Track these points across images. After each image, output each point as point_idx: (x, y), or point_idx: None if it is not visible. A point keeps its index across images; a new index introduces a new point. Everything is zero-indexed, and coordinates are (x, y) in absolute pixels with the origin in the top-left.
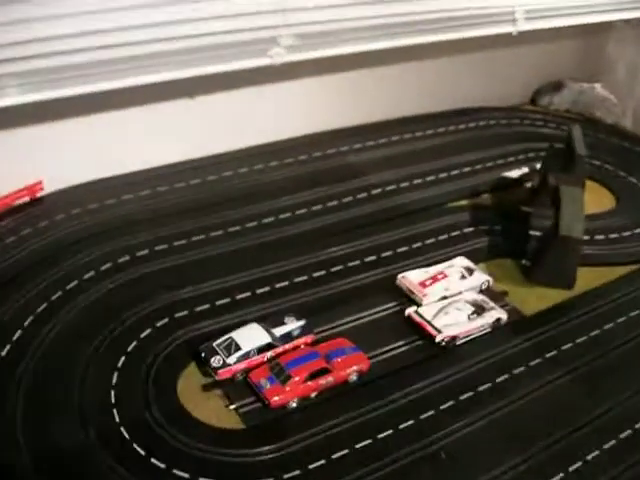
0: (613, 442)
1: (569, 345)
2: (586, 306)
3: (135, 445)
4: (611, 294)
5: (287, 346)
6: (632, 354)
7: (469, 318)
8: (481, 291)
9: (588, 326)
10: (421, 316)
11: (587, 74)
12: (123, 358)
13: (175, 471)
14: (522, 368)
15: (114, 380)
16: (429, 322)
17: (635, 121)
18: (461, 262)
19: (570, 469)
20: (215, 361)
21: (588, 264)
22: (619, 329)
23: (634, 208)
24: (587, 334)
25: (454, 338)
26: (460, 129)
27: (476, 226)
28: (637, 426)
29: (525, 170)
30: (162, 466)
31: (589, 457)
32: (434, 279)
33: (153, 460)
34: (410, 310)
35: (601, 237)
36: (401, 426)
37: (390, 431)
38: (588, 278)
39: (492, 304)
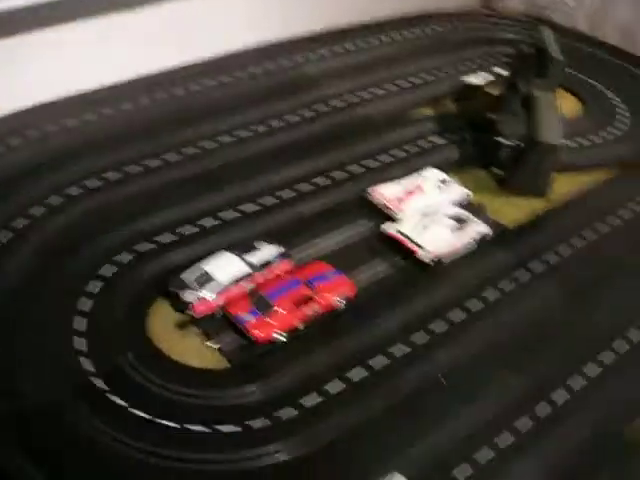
0: (607, 351)
1: (554, 258)
2: (567, 215)
3: (110, 395)
4: (591, 201)
5: (266, 273)
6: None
7: (452, 233)
8: (460, 205)
9: (570, 235)
10: (401, 233)
11: None
12: (85, 299)
13: (161, 420)
14: (510, 283)
15: (78, 324)
16: (409, 238)
17: (592, 24)
18: (433, 174)
19: (568, 382)
20: (188, 295)
21: (559, 170)
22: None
23: (601, 112)
24: (569, 243)
25: (440, 256)
26: (417, 35)
27: (442, 135)
28: (629, 334)
29: (487, 76)
30: (145, 416)
31: (584, 369)
32: (410, 193)
33: (133, 410)
34: (388, 226)
35: (571, 142)
36: (394, 352)
37: (384, 358)
38: (560, 185)
39: (473, 218)
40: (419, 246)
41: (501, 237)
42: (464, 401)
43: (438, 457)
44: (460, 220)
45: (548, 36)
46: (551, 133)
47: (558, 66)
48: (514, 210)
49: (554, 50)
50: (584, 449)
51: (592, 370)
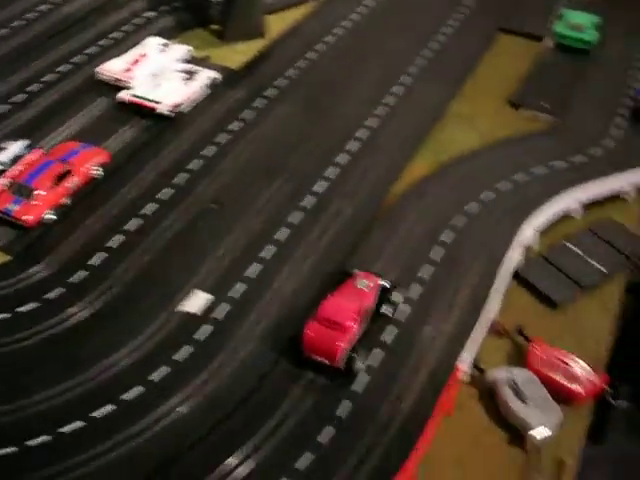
0: (342, 153)
1: (284, 81)
2: (287, 46)
3: None
4: (306, 30)
5: (19, 167)
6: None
7: (184, 83)
8: (186, 61)
9: (295, 61)
10: (136, 96)
11: None
12: None
13: None
14: (251, 112)
15: None
16: (145, 98)
17: None
18: (154, 41)
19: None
20: None
21: (270, 12)
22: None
23: None
24: (296, 67)
25: (178, 106)
26: None
27: (155, 9)
28: (357, 134)
29: None
30: None
31: (326, 172)
32: (135, 62)
33: None
34: (122, 94)
35: None
36: (160, 197)
37: (153, 204)
38: (275, 24)
39: (200, 68)
40: (156, 102)
41: (231, 78)
42: (235, 219)
43: (228, 269)
44: (189, 72)
45: None
46: None
47: None
48: (238, 55)
49: None
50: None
51: (332, 172)
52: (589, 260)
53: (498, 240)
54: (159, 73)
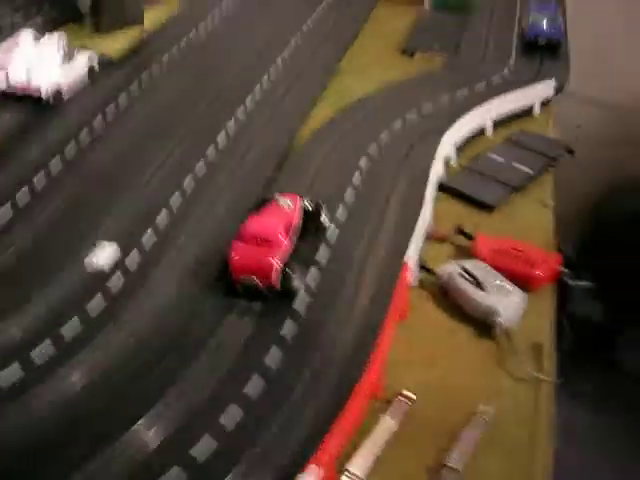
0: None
1: (171, 56)
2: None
3: None
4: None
5: None
6: None
7: (63, 70)
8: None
9: (182, 36)
10: (11, 84)
11: None
12: None
13: None
14: (138, 90)
15: None
16: (22, 84)
17: None
18: (25, 34)
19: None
20: None
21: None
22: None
23: None
24: (183, 42)
25: (60, 93)
26: None
27: (19, 11)
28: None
29: None
30: None
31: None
32: (7, 52)
33: None
34: None
35: None
36: (52, 171)
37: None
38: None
39: (78, 55)
40: (34, 88)
41: (111, 63)
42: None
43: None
44: (66, 59)
45: None
46: None
47: None
48: (116, 44)
49: None
50: None
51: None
52: (515, 165)
53: (419, 157)
54: (35, 61)
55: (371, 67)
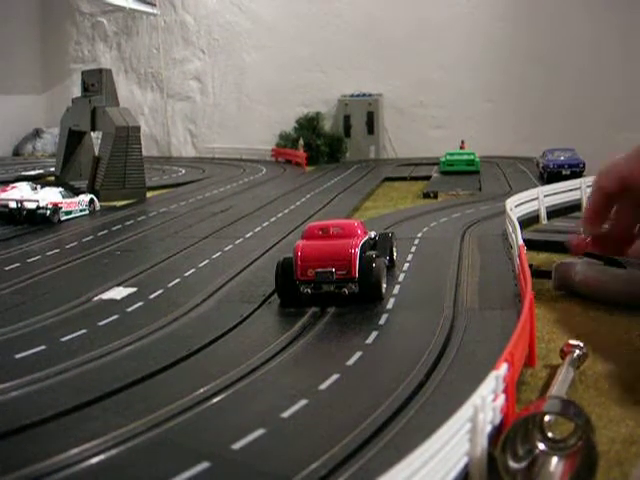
0: None
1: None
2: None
3: None
4: None
5: None
6: None
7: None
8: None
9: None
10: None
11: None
12: None
13: None
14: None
15: None
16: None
17: None
18: (25, 184)
19: None
20: None
21: None
22: None
23: None
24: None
25: (57, 206)
26: None
27: None
28: None
29: None
30: None
31: None
32: (5, 190)
33: None
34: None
35: None
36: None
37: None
38: None
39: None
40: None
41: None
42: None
43: None
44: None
45: None
46: None
47: None
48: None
49: None
50: None
51: None
52: None
53: None
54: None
55: (399, 201)
